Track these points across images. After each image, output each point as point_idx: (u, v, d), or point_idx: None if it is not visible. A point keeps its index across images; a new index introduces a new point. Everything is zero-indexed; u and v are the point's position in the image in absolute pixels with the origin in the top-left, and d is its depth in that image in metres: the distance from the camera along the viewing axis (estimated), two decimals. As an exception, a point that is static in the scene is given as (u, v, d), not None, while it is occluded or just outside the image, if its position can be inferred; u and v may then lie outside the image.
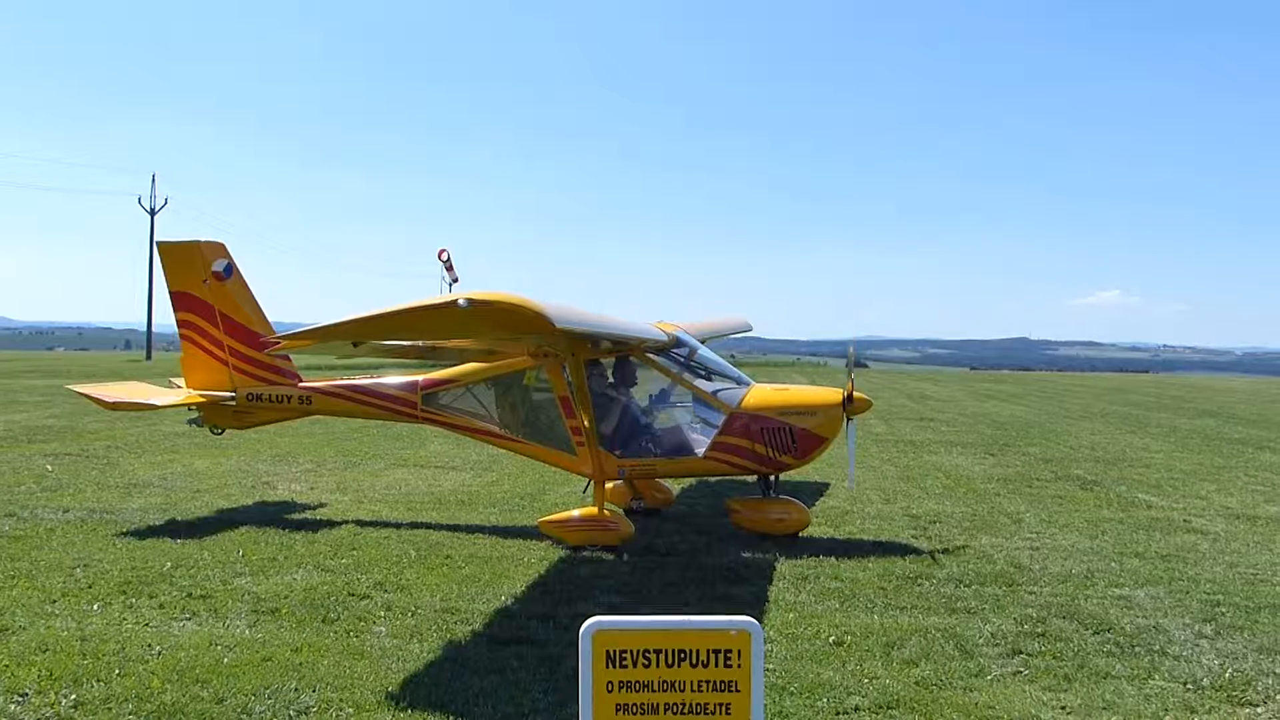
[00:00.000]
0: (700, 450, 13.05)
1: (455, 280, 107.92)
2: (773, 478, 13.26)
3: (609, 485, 13.77)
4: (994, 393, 49.74)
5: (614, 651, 4.65)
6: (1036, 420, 32.70)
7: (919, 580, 10.84)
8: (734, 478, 14.90)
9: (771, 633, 8.80)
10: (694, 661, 4.65)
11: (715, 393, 13.23)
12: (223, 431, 15.35)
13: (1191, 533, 13.77)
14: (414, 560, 11.57)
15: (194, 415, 14.91)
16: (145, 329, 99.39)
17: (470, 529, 13.42)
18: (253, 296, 14.84)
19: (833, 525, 13.94)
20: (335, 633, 8.92)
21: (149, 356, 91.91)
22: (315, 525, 13.48)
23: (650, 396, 13.99)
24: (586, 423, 12.59)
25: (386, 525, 13.60)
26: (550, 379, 13.24)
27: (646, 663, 4.65)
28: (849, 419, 12.93)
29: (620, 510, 13.36)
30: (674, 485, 15.85)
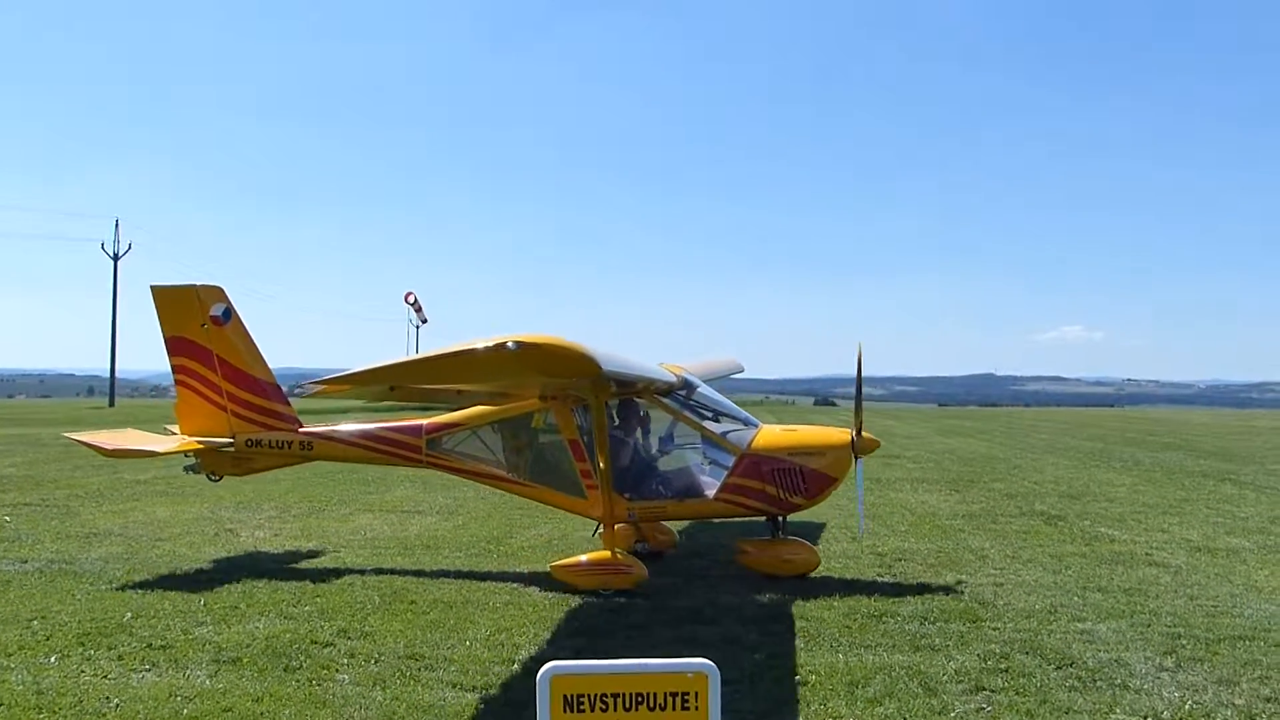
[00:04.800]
0: (711, 492, 13.02)
1: (424, 321, 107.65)
2: (781, 518, 13.25)
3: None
4: (960, 429, 50.07)
5: (571, 696, 4.65)
6: (1002, 456, 32.93)
7: (884, 618, 10.86)
8: (721, 520, 14.85)
9: (735, 674, 8.77)
10: (651, 704, 4.66)
11: (724, 434, 13.23)
12: (220, 478, 15.05)
13: (1153, 566, 13.89)
14: (378, 606, 11.49)
15: (192, 462, 14.71)
16: (109, 375, 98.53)
17: (435, 574, 13.34)
18: (252, 341, 14.68)
19: (799, 564, 13.94)
20: (297, 681, 8.82)
21: (112, 403, 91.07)
22: (278, 572, 13.35)
23: (659, 438, 13.95)
24: (603, 465, 12.44)
25: (350, 571, 13.49)
26: (559, 422, 13.17)
27: (604, 706, 4.65)
28: (857, 459, 12.97)
29: (626, 554, 13.07)
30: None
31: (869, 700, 8.27)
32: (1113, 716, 7.95)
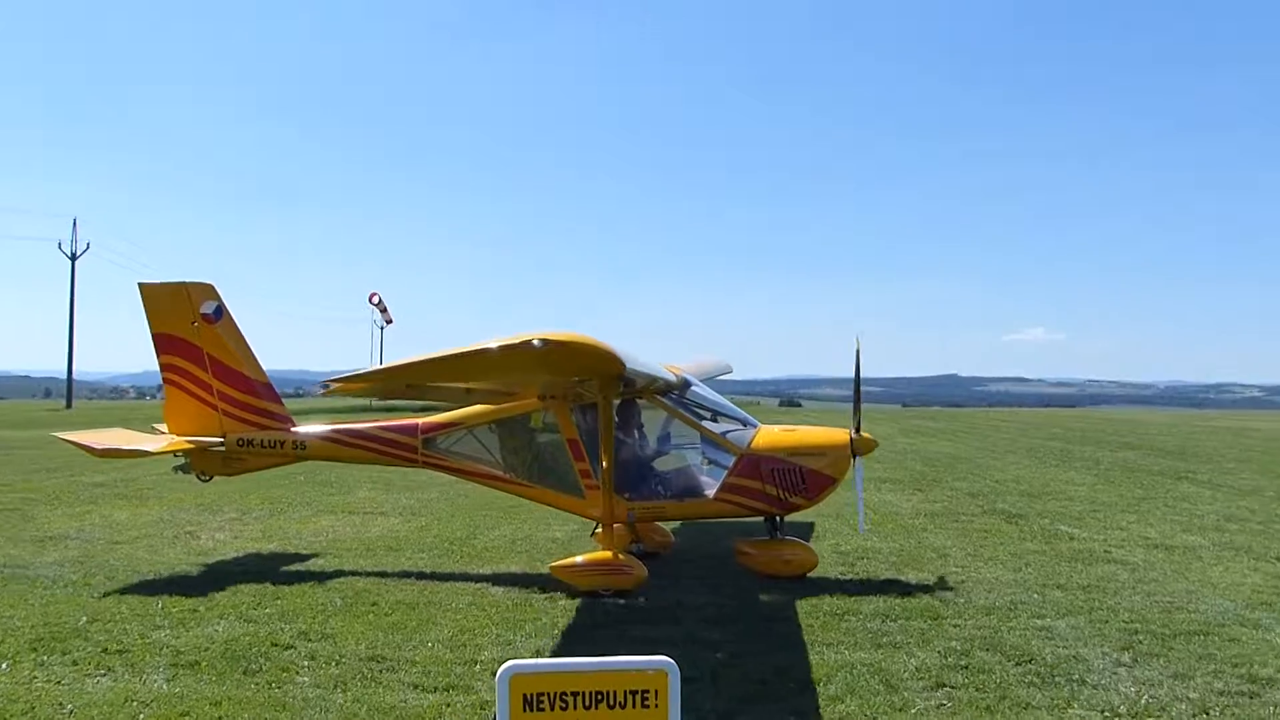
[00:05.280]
0: (710, 492, 12.99)
1: (389, 322, 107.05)
2: (779, 519, 13.24)
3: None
4: (923, 429, 50.35)
5: (531, 695, 4.62)
6: (965, 455, 33.16)
7: (846, 616, 10.91)
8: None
9: (696, 672, 8.78)
10: (611, 703, 4.64)
11: (723, 434, 13.20)
12: (210, 478, 14.85)
13: (1112, 563, 14.03)
14: (339, 608, 11.40)
15: (181, 462, 14.53)
16: (66, 377, 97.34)
17: (398, 575, 13.26)
18: (244, 339, 14.51)
19: (762, 563, 13.97)
20: (257, 684, 8.75)
21: (69, 404, 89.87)
22: (238, 575, 13.23)
23: (658, 438, 13.88)
24: (606, 465, 12.32)
25: (312, 573, 13.40)
26: (558, 421, 13.10)
27: (564, 705, 4.63)
28: (856, 458, 12.97)
29: (628, 555, 12.86)
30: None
31: (830, 698, 8.29)
32: (1070, 711, 8.02)
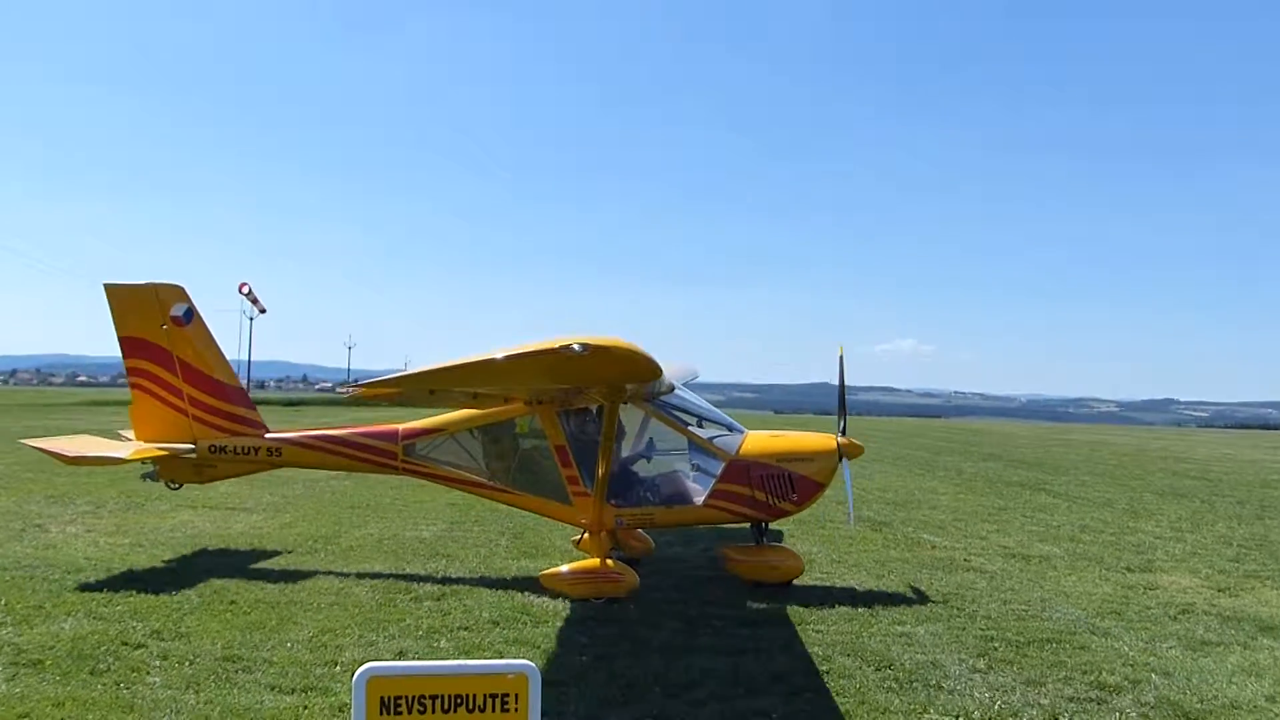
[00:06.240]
0: (699, 499, 12.84)
1: (263, 311, 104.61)
2: (765, 525, 13.18)
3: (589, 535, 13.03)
4: (795, 436, 51.07)
5: (389, 698, 4.52)
6: (833, 463, 33.68)
7: (710, 621, 10.98)
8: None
9: (562, 675, 8.75)
10: (470, 706, 4.57)
11: (711, 440, 13.06)
12: (180, 486, 14.30)
13: (971, 571, 14.42)
14: (195, 606, 11.05)
15: (149, 469, 13.90)
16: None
17: (258, 572, 12.93)
18: (214, 343, 14.00)
19: (631, 567, 13.99)
20: (104, 684, 8.41)
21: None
22: (89, 570, 12.73)
23: (646, 444, 13.67)
24: (601, 472, 12.09)
25: (168, 570, 12.98)
26: (545, 427, 12.80)
27: (422, 709, 4.54)
28: (843, 461, 13.00)
29: (619, 561, 12.67)
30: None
31: (693, 703, 8.32)
32: (927, 716, 8.20)
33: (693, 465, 13.38)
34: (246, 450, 13.73)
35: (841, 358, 13.26)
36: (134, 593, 11.58)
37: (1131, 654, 10.19)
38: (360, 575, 12.92)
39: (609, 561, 12.15)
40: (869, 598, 12.42)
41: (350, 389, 11.43)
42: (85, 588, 11.76)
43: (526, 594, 12.05)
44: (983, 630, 10.96)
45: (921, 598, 12.53)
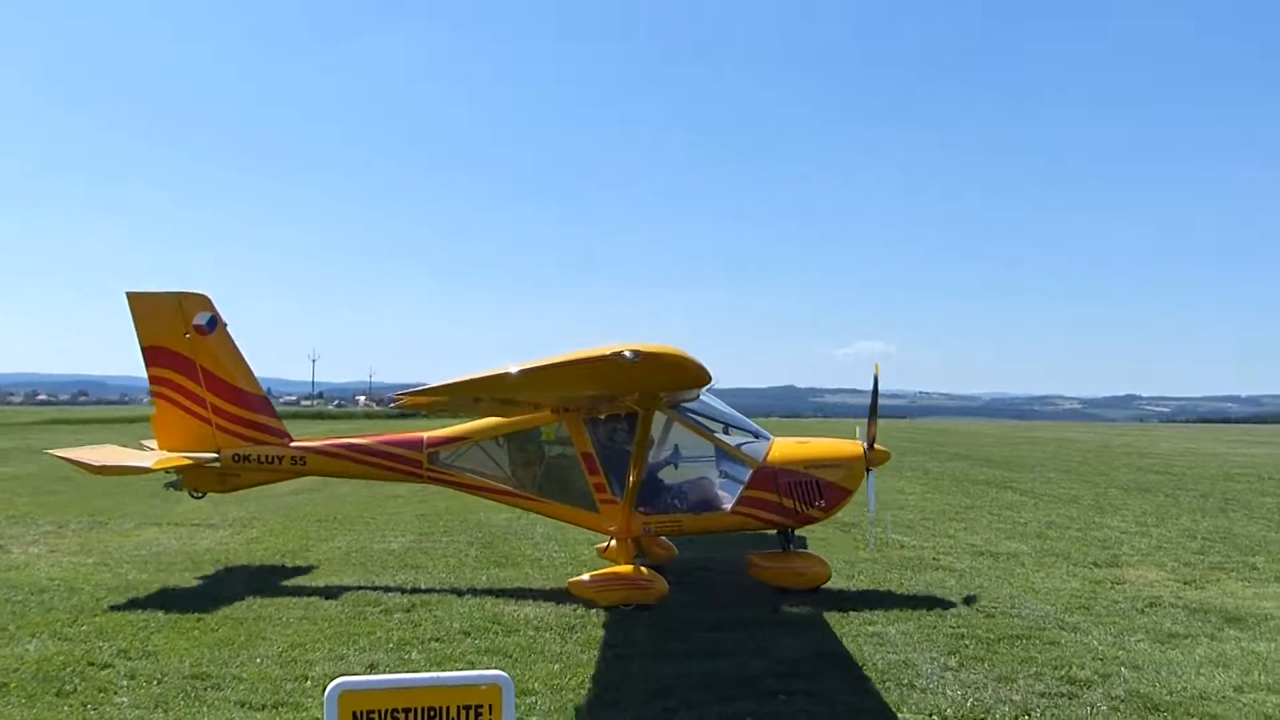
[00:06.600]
0: (727, 505, 12.77)
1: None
2: (791, 531, 13.12)
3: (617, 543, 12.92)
4: (762, 439, 51.19)
5: (361, 712, 4.50)
6: (801, 465, 33.77)
7: (682, 627, 10.98)
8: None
9: (536, 685, 8.72)
10: (444, 718, 4.56)
11: (738, 446, 13.00)
12: (203, 495, 14.10)
13: (940, 570, 14.49)
14: (163, 624, 10.93)
15: (173, 479, 13.70)
16: None
17: (227, 589, 12.79)
18: (238, 351, 13.85)
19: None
20: (70, 706, 8.31)
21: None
22: (54, 591, 12.54)
23: (674, 451, 13.59)
24: (634, 479, 12.03)
25: (134, 588, 12.81)
26: (572, 434, 12.72)
27: (396, 722, 4.52)
28: (869, 470, 12.96)
29: (649, 568, 12.51)
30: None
31: (667, 709, 8.31)
32: (900, 715, 8.22)
33: (720, 472, 13.31)
34: (271, 459, 13.64)
35: (877, 374, 13.12)
36: (100, 612, 11.45)
37: (1101, 648, 10.27)
38: (329, 589, 12.83)
39: (639, 569, 12.08)
40: (839, 599, 12.46)
41: (397, 400, 11.33)
42: (49, 608, 11.61)
43: (497, 604, 12.02)
44: (953, 628, 11.01)
45: (892, 598, 12.59)
